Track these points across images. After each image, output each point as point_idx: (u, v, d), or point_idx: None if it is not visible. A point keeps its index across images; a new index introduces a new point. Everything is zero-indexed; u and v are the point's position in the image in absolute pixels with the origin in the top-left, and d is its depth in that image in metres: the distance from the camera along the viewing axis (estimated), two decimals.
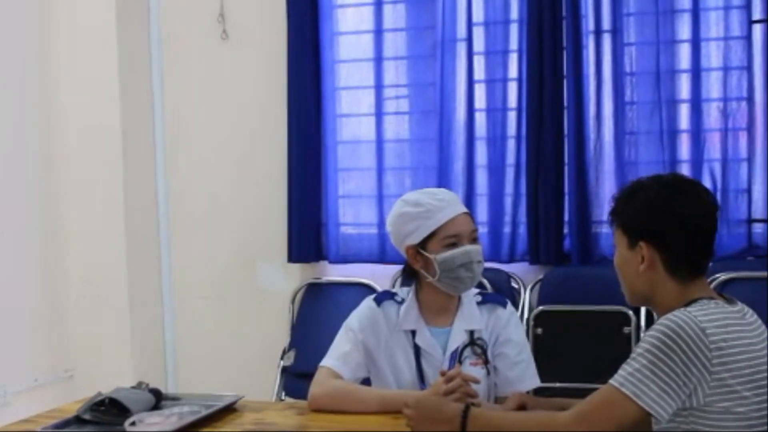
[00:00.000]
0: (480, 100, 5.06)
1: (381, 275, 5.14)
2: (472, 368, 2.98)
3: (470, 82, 5.04)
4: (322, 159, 5.28)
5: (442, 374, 2.82)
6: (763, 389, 2.34)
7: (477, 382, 2.87)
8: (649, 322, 4.58)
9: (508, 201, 5.01)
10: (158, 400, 3.02)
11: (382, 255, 5.17)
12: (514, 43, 4.99)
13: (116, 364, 5.30)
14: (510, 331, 3.09)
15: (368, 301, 3.14)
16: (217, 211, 5.50)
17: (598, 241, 4.89)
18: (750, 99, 4.72)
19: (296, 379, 5.15)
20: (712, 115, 4.78)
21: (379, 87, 5.21)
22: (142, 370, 5.37)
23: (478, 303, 3.11)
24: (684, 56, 4.80)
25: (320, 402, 2.99)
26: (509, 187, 5.01)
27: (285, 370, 5.19)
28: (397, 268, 5.06)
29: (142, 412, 2.89)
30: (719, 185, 4.73)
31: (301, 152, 5.24)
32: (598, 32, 4.88)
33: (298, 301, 5.34)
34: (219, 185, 5.49)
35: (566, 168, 4.91)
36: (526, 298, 4.87)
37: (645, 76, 4.84)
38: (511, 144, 5.02)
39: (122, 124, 5.27)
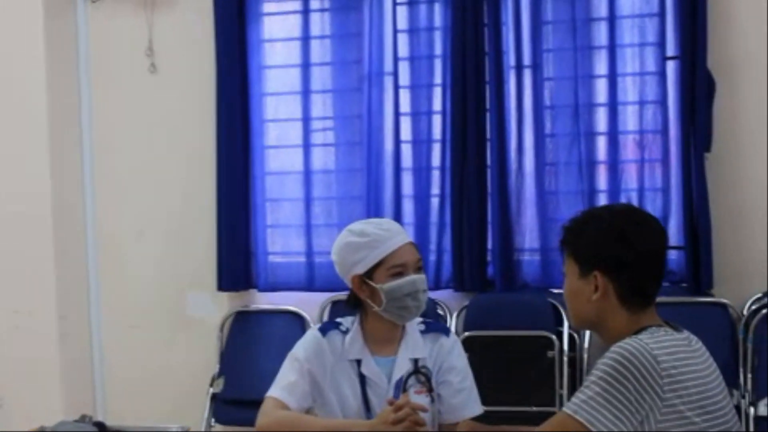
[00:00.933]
0: (406, 132, 5.15)
1: (309, 303, 5.20)
2: (416, 396, 3.01)
3: (396, 115, 5.13)
4: (251, 189, 5.33)
5: (390, 403, 2.85)
6: (709, 414, 2.38)
7: (425, 410, 2.91)
8: (572, 346, 4.72)
9: (434, 230, 5.10)
10: None
11: (310, 283, 5.23)
12: (438, 77, 5.09)
13: (45, 394, 5.27)
14: (453, 358, 3.12)
15: (313, 331, 3.16)
16: (145, 241, 5.50)
17: (521, 268, 5.00)
18: (664, 132, 4.87)
19: (226, 406, 5.18)
20: (629, 147, 4.93)
21: (306, 119, 5.27)
22: (71, 399, 5.35)
23: (422, 332, 3.14)
24: (601, 90, 4.93)
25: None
26: (434, 216, 5.11)
27: (214, 398, 5.19)
28: (325, 296, 5.16)
29: None
30: None
31: (230, 182, 5.28)
32: (519, 67, 5.00)
33: (227, 329, 5.35)
34: (148, 215, 5.49)
35: (489, 198, 5.00)
36: (452, 324, 4.92)
37: (564, 109, 4.97)
38: (435, 174, 5.11)
39: (51, 154, 5.28)
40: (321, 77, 5.29)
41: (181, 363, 5.43)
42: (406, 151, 5.16)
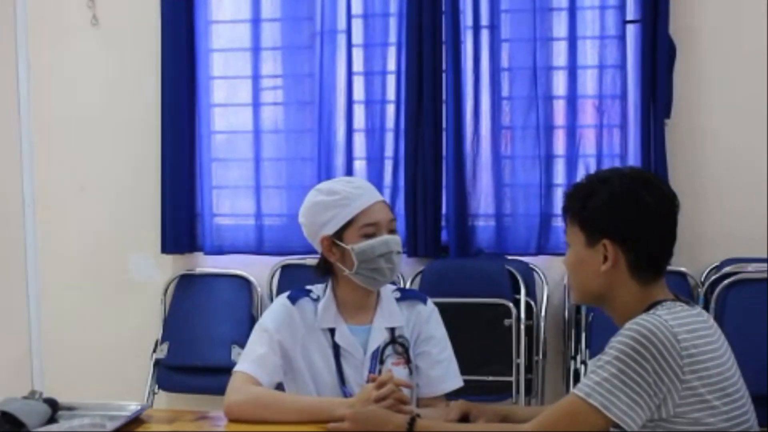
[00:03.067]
0: (359, 91, 4.90)
1: (257, 267, 4.95)
2: (394, 368, 2.81)
3: (349, 74, 4.88)
4: (196, 149, 5.03)
5: (373, 380, 2.64)
6: (729, 397, 2.21)
7: (410, 387, 2.71)
8: (529, 314, 4.56)
9: (387, 193, 4.84)
10: (54, 411, 2.77)
11: (259, 246, 4.98)
12: (393, 36, 4.84)
13: None
14: (432, 327, 2.92)
15: (282, 300, 2.91)
16: (86, 201, 5.17)
17: (475, 234, 4.81)
18: (623, 97, 4.69)
19: (169, 372, 4.93)
20: (588, 112, 4.74)
21: (256, 77, 4.98)
22: (8, 364, 5.08)
23: (397, 299, 2.93)
24: (560, 53, 4.73)
25: (239, 410, 2.70)
26: (388, 180, 4.88)
27: (158, 363, 4.92)
28: (275, 260, 4.92)
29: (37, 425, 2.66)
30: None
31: (175, 142, 4.98)
32: (476, 28, 4.77)
33: (170, 292, 5.06)
34: (89, 174, 5.17)
35: (444, 161, 4.79)
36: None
37: (522, 72, 4.76)
38: (389, 136, 4.88)
39: None
40: (271, 33, 4.99)
41: (122, 327, 5.13)
42: (359, 111, 4.91)
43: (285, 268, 4.84)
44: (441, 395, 2.90)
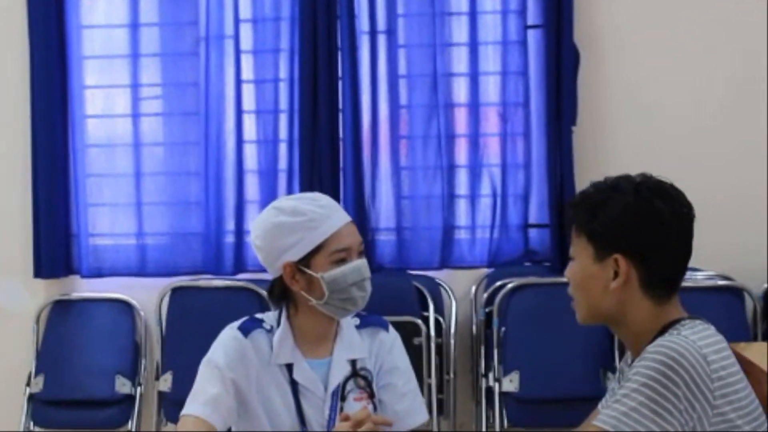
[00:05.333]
0: (249, 101, 4.57)
1: (140, 290, 4.55)
2: (356, 404, 2.48)
3: (238, 82, 4.54)
4: (70, 163, 4.59)
5: (345, 418, 2.31)
6: (757, 422, 2.00)
7: (389, 424, 2.38)
8: (438, 331, 4.30)
9: None
10: None
11: (142, 268, 4.57)
12: (285, 42, 4.52)
13: None
14: (395, 357, 2.60)
15: (232, 332, 2.54)
16: None
17: (376, 249, 4.50)
18: (526, 104, 4.50)
19: (46, 407, 4.46)
20: (490, 120, 4.53)
21: (134, 86, 4.59)
22: None
23: (357, 327, 2.60)
24: (461, 59, 4.51)
25: None
26: (282, 194, 4.51)
27: (32, 398, 4.44)
28: (161, 282, 4.52)
29: None
30: (499, 191, 4.50)
31: (47, 156, 4.52)
32: (373, 33, 4.51)
33: (43, 320, 4.57)
34: None
35: (342, 173, 4.50)
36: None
37: (421, 79, 4.52)
38: (283, 148, 4.55)
39: None
40: (150, 39, 4.60)
41: None
42: (249, 121, 4.58)
43: (175, 291, 4.43)
44: (408, 430, 2.59)
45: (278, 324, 2.54)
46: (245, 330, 2.53)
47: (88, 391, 4.43)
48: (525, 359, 4.21)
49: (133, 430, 4.41)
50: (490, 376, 4.23)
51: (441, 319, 4.34)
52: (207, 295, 4.42)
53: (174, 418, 4.35)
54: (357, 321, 2.62)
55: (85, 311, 4.60)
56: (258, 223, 2.56)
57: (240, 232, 4.57)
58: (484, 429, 4.23)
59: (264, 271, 4.43)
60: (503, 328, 4.26)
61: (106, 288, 4.60)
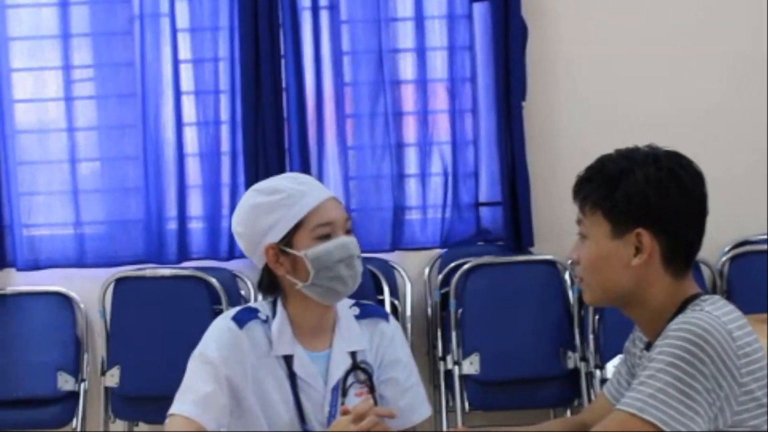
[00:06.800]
0: (187, 81, 4.37)
1: (80, 282, 4.33)
2: (357, 400, 2.31)
3: (175, 62, 4.34)
4: (0, 151, 4.34)
5: (345, 411, 2.17)
6: None
7: (393, 416, 2.23)
8: (394, 315, 4.15)
9: (225, 192, 4.36)
10: None
11: (81, 258, 4.35)
12: (224, 20, 4.32)
13: None
14: (397, 349, 2.45)
15: (226, 323, 2.35)
16: None
17: None
18: (474, 80, 4.39)
19: None
20: (439, 96, 4.40)
21: (66, 68, 4.36)
22: None
23: (356, 317, 2.44)
24: (407, 35, 4.37)
25: None
26: (225, 177, 4.36)
27: None
28: (103, 273, 4.29)
29: None
30: (449, 169, 4.38)
31: None
32: (315, 8, 4.33)
33: None
34: None
35: (288, 154, 4.33)
36: (258, 297, 4.24)
37: (366, 56, 4.36)
38: (224, 129, 4.36)
39: None
40: (81, 18, 4.37)
41: None
42: (189, 103, 4.39)
43: (119, 282, 4.20)
44: (411, 427, 2.45)
45: (274, 314, 2.37)
46: (240, 321, 2.35)
47: (28, 390, 4.18)
48: (484, 341, 4.10)
49: (78, 428, 4.19)
50: (449, 358, 4.12)
51: (396, 302, 4.21)
52: (153, 286, 4.20)
53: (123, 414, 4.17)
54: (356, 311, 2.46)
55: (21, 306, 4.33)
56: (237, 209, 2.40)
57: (183, 218, 4.37)
58: (444, 413, 4.13)
59: (210, 258, 4.40)
60: (460, 310, 4.15)
61: (44, 281, 4.36)
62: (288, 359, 2.34)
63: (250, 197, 2.36)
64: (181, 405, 2.26)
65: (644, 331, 2.05)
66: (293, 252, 2.29)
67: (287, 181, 2.37)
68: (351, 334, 2.41)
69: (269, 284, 2.39)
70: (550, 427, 2.43)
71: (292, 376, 2.33)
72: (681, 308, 1.95)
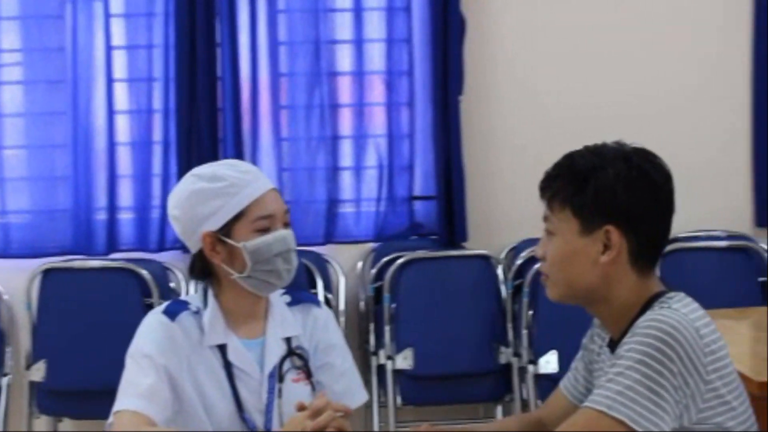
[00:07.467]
0: (120, 68, 4.28)
1: (5, 273, 4.20)
2: (294, 385, 2.29)
3: (108, 48, 4.24)
4: None
5: (301, 407, 2.11)
6: (742, 396, 1.90)
7: (348, 413, 2.18)
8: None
9: (157, 183, 4.27)
10: None
11: (6, 249, 4.24)
12: (159, 5, 4.23)
13: None
14: (331, 335, 2.41)
15: (158, 317, 2.29)
16: None
17: None
18: (411, 73, 4.36)
19: None
20: (375, 88, 4.36)
21: None
22: None
23: (288, 304, 2.39)
24: (344, 26, 4.33)
25: None
26: (157, 167, 4.28)
27: None
28: (29, 264, 4.14)
29: None
30: (385, 162, 4.35)
31: None
32: None
33: None
34: None
35: (221, 145, 4.26)
36: (190, 290, 4.16)
37: (303, 46, 4.30)
38: (157, 118, 4.27)
39: None
40: (9, 0, 4.23)
41: None
42: (121, 90, 4.30)
43: (46, 274, 4.08)
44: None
45: (205, 305, 2.31)
46: (171, 313, 2.29)
47: None
48: (418, 336, 4.08)
49: (0, 423, 4.09)
50: (381, 353, 4.09)
51: (329, 296, 4.17)
52: (81, 277, 4.09)
53: (48, 409, 4.05)
54: (288, 298, 2.41)
55: None
56: (175, 192, 2.33)
57: (112, 208, 4.28)
58: (375, 408, 4.10)
59: (140, 249, 4.31)
60: (394, 304, 4.12)
61: None
62: (222, 348, 2.28)
63: (190, 182, 2.30)
64: (126, 400, 2.19)
65: (608, 328, 2.04)
66: (231, 242, 2.24)
67: (229, 169, 2.31)
68: (284, 320, 2.36)
69: (201, 270, 2.33)
70: (507, 426, 2.41)
71: (228, 366, 2.28)
72: (646, 306, 1.94)
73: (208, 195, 2.25)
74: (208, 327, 2.28)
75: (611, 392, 1.81)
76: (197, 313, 2.31)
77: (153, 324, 2.29)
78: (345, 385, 2.39)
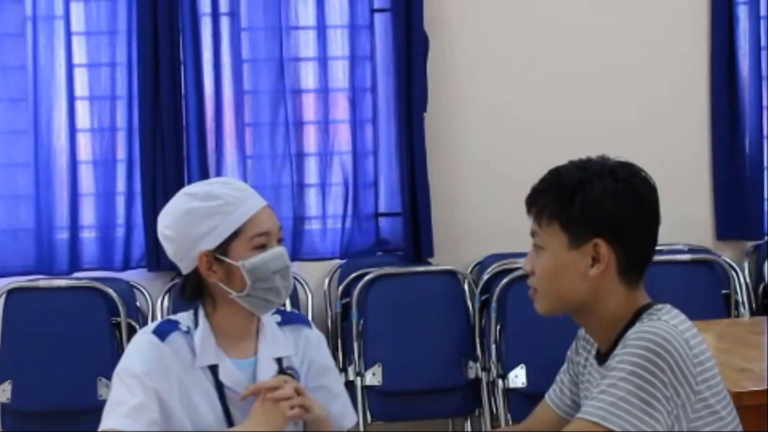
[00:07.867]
0: (82, 86, 4.25)
1: None
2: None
3: (70, 66, 4.21)
4: None
5: (255, 392, 2.19)
6: (730, 406, 1.94)
7: (308, 409, 2.23)
8: None
9: (120, 201, 4.24)
10: None
11: None
12: (122, 23, 4.21)
13: None
14: (323, 356, 2.41)
15: (148, 336, 2.25)
16: None
17: None
18: (374, 89, 4.38)
19: None
20: (340, 106, 4.37)
21: None
22: None
23: (279, 324, 2.38)
24: (308, 43, 4.34)
25: None
26: (121, 186, 4.25)
27: None
28: None
29: None
30: (350, 179, 4.36)
31: None
32: (215, 15, 4.26)
33: None
34: None
35: (186, 162, 4.24)
36: (157, 312, 4.09)
37: (266, 64, 4.31)
38: (121, 136, 4.25)
39: None
40: None
41: None
42: (83, 108, 4.27)
43: (12, 293, 4.01)
44: None
45: (195, 324, 2.28)
46: (161, 334, 2.25)
47: None
48: (386, 352, 4.07)
49: None
50: (350, 369, 4.09)
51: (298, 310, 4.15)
52: (47, 297, 4.03)
53: (15, 430, 3.97)
54: (278, 318, 2.40)
55: None
56: (167, 212, 2.29)
57: (75, 227, 4.23)
58: None
59: (103, 268, 4.26)
60: (362, 321, 4.12)
61: None
62: (213, 369, 2.26)
63: (184, 201, 2.27)
64: (112, 420, 2.15)
65: (596, 340, 2.06)
66: (229, 261, 2.22)
67: (223, 187, 2.28)
68: (276, 340, 2.35)
69: (193, 291, 2.29)
70: None
71: (219, 386, 2.25)
72: (635, 317, 1.97)
73: (204, 214, 2.23)
74: (200, 347, 2.25)
75: (605, 403, 1.84)
76: (188, 332, 2.27)
77: (143, 344, 2.25)
78: (340, 407, 2.40)
